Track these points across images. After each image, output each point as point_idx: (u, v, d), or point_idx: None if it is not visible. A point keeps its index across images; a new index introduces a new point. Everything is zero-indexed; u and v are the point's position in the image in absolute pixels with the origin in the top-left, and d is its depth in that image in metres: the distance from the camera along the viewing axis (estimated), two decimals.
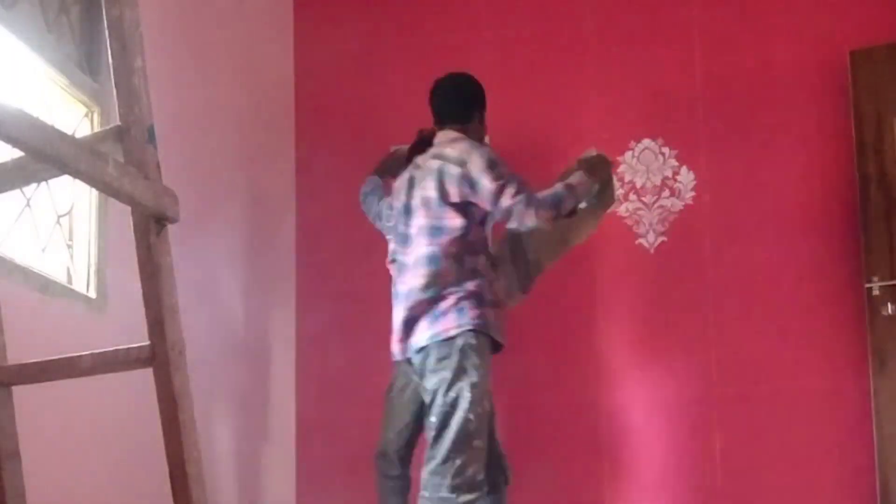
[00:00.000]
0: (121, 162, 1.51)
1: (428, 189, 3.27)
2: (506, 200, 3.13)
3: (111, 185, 1.44)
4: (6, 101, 1.28)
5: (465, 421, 3.07)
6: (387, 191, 3.69)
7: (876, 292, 3.90)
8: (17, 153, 1.43)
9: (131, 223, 1.57)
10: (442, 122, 3.49)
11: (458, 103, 3.50)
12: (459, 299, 3.15)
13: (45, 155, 1.33)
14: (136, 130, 1.55)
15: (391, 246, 3.57)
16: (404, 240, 3.36)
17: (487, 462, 3.18)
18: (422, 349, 3.19)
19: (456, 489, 3.05)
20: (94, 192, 2.93)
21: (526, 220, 3.14)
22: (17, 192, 2.61)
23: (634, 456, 4.13)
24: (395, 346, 3.30)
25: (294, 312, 4.45)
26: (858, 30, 4.16)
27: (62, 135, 1.36)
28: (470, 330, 3.12)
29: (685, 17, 4.36)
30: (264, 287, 4.26)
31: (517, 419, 4.11)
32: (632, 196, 4.29)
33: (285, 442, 4.33)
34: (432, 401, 3.15)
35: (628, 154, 4.32)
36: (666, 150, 4.30)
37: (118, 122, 1.57)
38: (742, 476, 4.06)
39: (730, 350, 4.13)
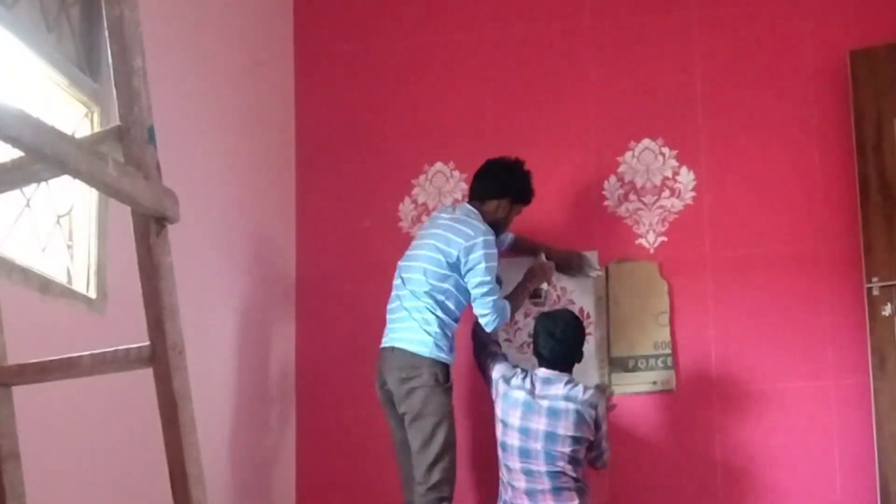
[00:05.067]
0: (121, 162, 1.51)
1: None
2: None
3: (111, 185, 1.44)
4: (6, 101, 1.28)
5: None
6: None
7: (876, 292, 3.90)
8: (17, 153, 1.43)
9: (131, 223, 1.57)
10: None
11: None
12: None
13: (45, 155, 1.33)
14: (136, 130, 1.55)
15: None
16: None
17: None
18: None
19: None
20: (94, 192, 2.93)
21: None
22: (17, 192, 2.61)
23: (634, 456, 4.13)
24: None
25: (294, 311, 4.45)
26: (858, 30, 4.16)
27: (62, 135, 1.36)
28: None
29: (685, 17, 4.36)
30: (264, 288, 4.26)
31: None
32: (632, 196, 4.29)
33: (285, 442, 4.33)
34: None
35: (628, 154, 4.32)
36: (666, 150, 4.30)
37: (118, 122, 1.57)
38: (742, 476, 4.06)
39: (730, 350, 4.13)
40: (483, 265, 3.71)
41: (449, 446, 3.70)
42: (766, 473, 4.05)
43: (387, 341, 3.83)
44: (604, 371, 4.15)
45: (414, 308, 3.76)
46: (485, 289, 3.73)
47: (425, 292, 3.75)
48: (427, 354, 3.72)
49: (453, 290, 3.77)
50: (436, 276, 3.75)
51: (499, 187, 3.92)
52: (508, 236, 4.13)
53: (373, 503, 4.19)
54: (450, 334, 3.78)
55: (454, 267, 3.75)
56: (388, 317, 3.87)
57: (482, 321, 3.80)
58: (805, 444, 4.04)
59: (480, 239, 3.74)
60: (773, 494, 4.03)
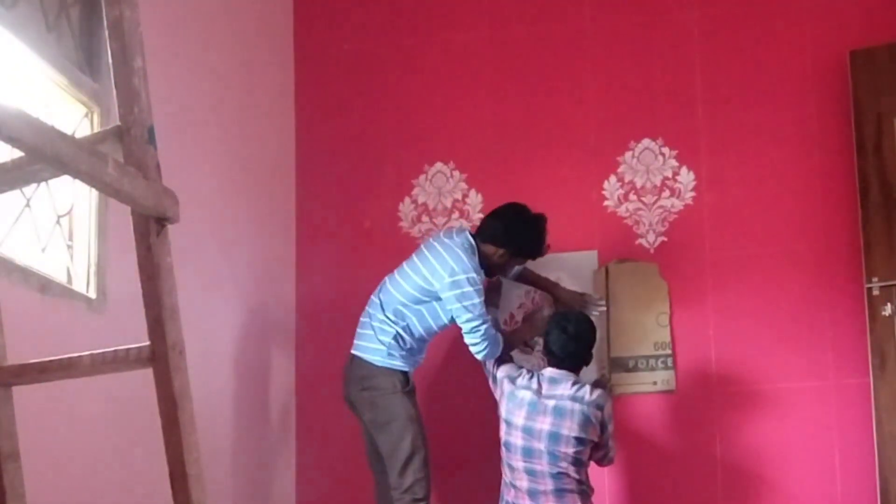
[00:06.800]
0: (121, 162, 1.51)
1: None
2: None
3: (111, 185, 1.44)
4: (6, 101, 1.28)
5: None
6: None
7: (876, 292, 3.90)
8: (17, 153, 1.43)
9: (131, 223, 1.57)
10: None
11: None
12: None
13: (45, 155, 1.33)
14: (136, 131, 1.55)
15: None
16: None
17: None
18: None
19: None
20: (94, 192, 2.93)
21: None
22: (17, 192, 2.61)
23: (634, 456, 4.13)
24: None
25: (294, 310, 4.45)
26: (858, 30, 4.16)
27: (62, 135, 1.36)
28: None
29: (685, 17, 4.36)
30: (264, 288, 4.26)
31: None
32: (632, 196, 4.29)
33: (285, 442, 4.33)
34: None
35: (628, 154, 4.32)
36: (666, 150, 4.30)
37: (118, 122, 1.57)
38: (742, 476, 4.05)
39: (730, 350, 4.13)
40: (459, 305, 3.67)
41: (417, 448, 3.71)
42: (766, 473, 4.05)
43: (352, 349, 3.85)
44: (604, 371, 4.14)
45: (375, 316, 3.79)
46: (471, 324, 3.69)
47: (392, 308, 3.77)
48: (380, 364, 3.75)
49: (424, 312, 3.75)
50: (411, 298, 3.75)
51: (502, 236, 3.81)
52: (517, 267, 4.05)
53: (371, 502, 4.18)
54: (405, 345, 3.76)
55: (432, 294, 3.73)
56: (360, 320, 3.89)
57: (472, 350, 3.76)
58: (805, 444, 4.04)
59: (461, 277, 3.67)
60: (773, 494, 4.03)
